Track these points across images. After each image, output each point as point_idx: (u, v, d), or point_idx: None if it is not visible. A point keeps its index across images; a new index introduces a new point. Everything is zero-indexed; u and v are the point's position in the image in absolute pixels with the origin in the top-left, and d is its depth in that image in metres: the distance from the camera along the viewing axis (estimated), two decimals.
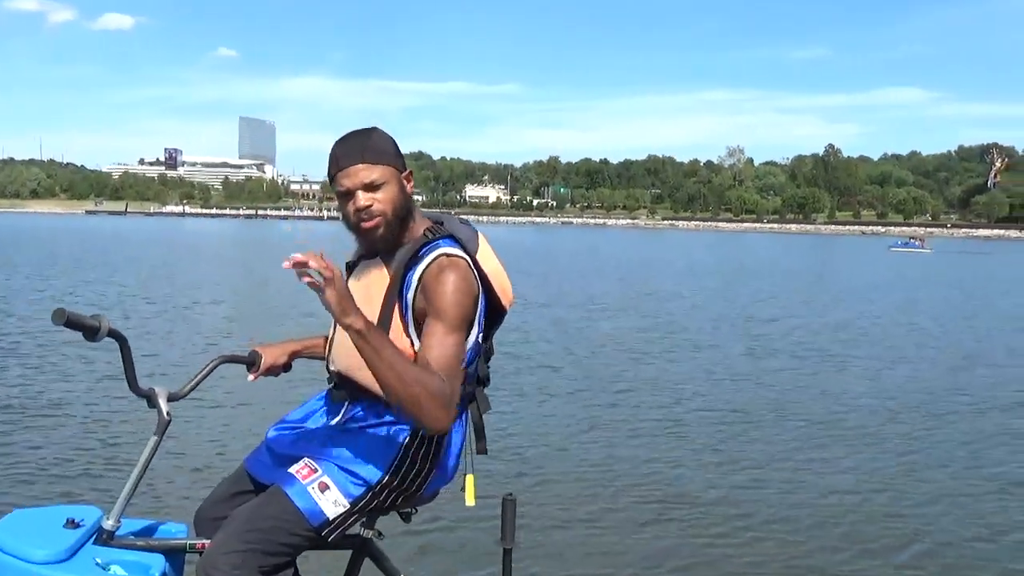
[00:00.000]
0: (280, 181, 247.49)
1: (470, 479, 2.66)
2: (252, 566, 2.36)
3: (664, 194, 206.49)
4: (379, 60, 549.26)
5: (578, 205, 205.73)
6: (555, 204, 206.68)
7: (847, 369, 12.23)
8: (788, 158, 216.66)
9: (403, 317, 2.44)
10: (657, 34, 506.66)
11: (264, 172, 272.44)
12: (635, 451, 7.51)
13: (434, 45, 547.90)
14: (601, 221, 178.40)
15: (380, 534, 2.64)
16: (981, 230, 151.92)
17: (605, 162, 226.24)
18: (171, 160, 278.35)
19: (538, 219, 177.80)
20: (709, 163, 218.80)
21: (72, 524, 2.48)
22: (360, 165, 2.48)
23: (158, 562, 2.47)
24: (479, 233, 2.66)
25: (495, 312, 2.63)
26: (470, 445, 2.66)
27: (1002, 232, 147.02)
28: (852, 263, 50.82)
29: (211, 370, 2.70)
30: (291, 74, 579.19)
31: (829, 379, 11.37)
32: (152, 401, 2.52)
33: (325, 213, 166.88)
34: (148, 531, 2.62)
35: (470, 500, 2.64)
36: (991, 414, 9.44)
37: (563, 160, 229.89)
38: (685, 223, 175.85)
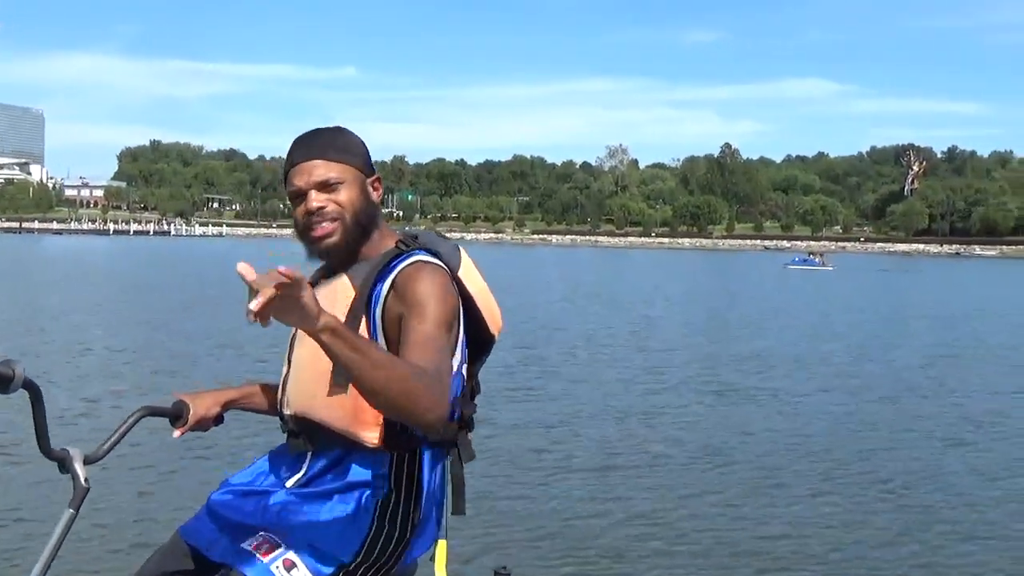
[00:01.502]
0: (51, 185, 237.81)
1: (442, 545, 2.71)
2: None
3: (534, 202, 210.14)
4: (180, 35, 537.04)
5: (430, 216, 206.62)
6: (401, 214, 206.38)
7: (750, 404, 13.62)
8: (679, 160, 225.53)
9: (371, 336, 2.48)
10: (523, 10, 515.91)
11: (30, 174, 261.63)
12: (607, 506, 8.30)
13: (250, 19, 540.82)
14: (458, 235, 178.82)
15: None
16: (898, 244, 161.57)
17: (462, 164, 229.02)
18: None
19: None
20: (586, 165, 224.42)
21: None
22: (317, 161, 2.58)
23: None
24: (461, 249, 2.74)
25: (481, 341, 2.75)
26: (447, 503, 2.75)
27: (921, 247, 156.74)
28: (748, 283, 53.65)
29: (131, 425, 2.76)
30: (65, 49, 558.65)
31: (734, 415, 12.60)
32: (66, 465, 2.54)
33: (112, 226, 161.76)
34: None
35: (440, 571, 2.70)
36: (907, 451, 10.72)
37: (411, 161, 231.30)
38: (559, 237, 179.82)
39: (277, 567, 2.46)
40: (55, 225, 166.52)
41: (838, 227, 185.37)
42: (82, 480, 2.51)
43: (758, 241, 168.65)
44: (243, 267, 2.02)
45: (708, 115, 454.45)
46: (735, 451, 10.60)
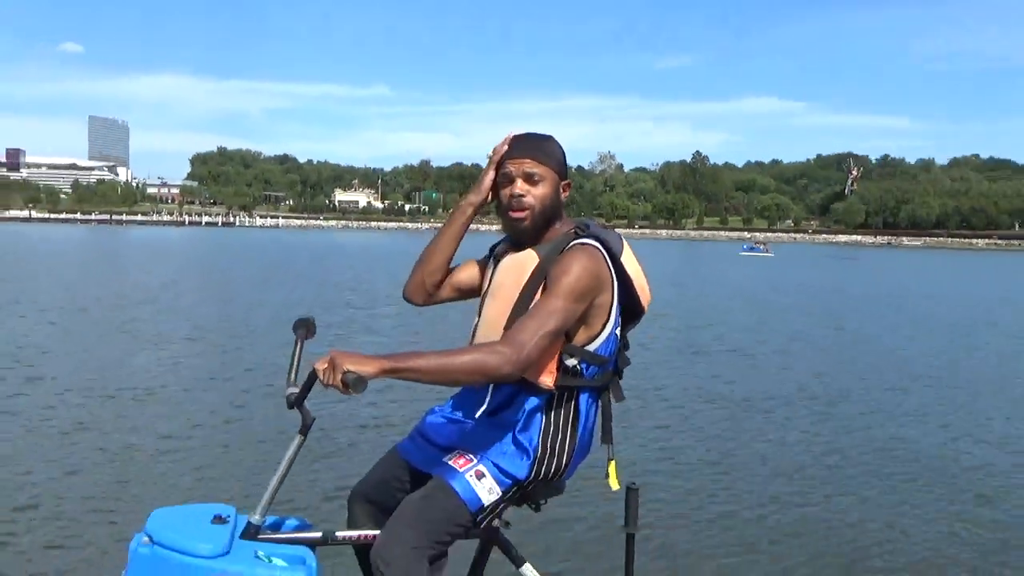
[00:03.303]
0: (135, 184, 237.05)
1: (612, 465, 2.85)
2: (423, 554, 2.53)
3: None
4: (241, 58, 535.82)
5: (450, 210, 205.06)
6: (427, 209, 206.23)
7: (715, 356, 13.50)
8: (657, 164, 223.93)
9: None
10: (527, 37, 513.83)
11: (117, 174, 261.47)
12: (747, 446, 8.32)
13: (299, 45, 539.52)
14: (474, 226, 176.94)
15: (507, 524, 2.83)
16: (839, 236, 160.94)
17: (477, 167, 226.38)
18: (13, 161, 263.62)
19: (410, 224, 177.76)
20: (580, 168, 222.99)
21: (219, 520, 2.58)
22: (528, 159, 2.78)
23: (308, 554, 2.60)
24: (623, 239, 2.81)
25: (634, 310, 2.85)
26: (599, 432, 2.84)
27: (859, 238, 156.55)
28: (711, 267, 53.45)
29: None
30: (144, 71, 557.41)
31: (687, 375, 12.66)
32: (293, 402, 2.64)
33: (186, 218, 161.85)
34: (283, 526, 2.77)
35: (614, 485, 2.83)
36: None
37: (435, 164, 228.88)
38: None
39: (471, 476, 2.63)
40: (140, 217, 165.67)
41: (790, 221, 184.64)
42: (309, 413, 2.63)
43: (723, 232, 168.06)
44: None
45: (682, 127, 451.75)
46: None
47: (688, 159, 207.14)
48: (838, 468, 7.75)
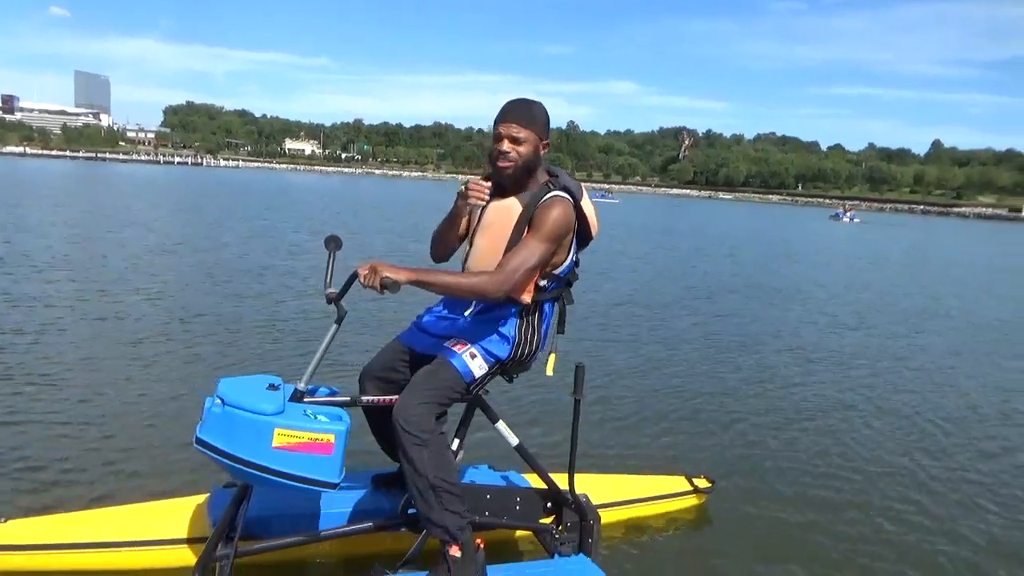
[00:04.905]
0: (116, 128, 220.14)
1: (552, 356, 2.90)
2: (433, 412, 2.57)
3: (447, 153, 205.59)
4: (206, 27, 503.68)
5: (378, 159, 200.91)
6: (359, 158, 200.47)
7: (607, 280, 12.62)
8: None
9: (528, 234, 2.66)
10: (440, 24, 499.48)
11: (100, 120, 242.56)
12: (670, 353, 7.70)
13: (257, 19, 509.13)
14: (396, 173, 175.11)
15: (487, 392, 2.86)
16: (673, 189, 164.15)
17: (400, 126, 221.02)
18: (8, 105, 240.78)
19: (346, 169, 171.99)
20: (481, 130, 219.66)
21: (272, 387, 2.54)
22: (515, 123, 2.68)
23: (343, 412, 2.59)
24: (582, 187, 2.81)
25: (587, 238, 2.90)
26: (554, 327, 2.88)
27: (687, 191, 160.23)
28: None
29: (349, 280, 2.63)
30: (123, 35, 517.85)
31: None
32: (331, 299, 2.60)
33: (161, 159, 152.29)
34: (318, 392, 2.73)
35: (549, 372, 2.88)
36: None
37: (366, 123, 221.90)
38: (462, 176, 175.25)
39: (466, 356, 2.67)
40: (121, 156, 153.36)
41: (638, 177, 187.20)
42: (344, 307, 2.60)
43: (589, 184, 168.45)
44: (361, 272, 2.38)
45: (560, 102, 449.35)
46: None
47: (564, 127, 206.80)
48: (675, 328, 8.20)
